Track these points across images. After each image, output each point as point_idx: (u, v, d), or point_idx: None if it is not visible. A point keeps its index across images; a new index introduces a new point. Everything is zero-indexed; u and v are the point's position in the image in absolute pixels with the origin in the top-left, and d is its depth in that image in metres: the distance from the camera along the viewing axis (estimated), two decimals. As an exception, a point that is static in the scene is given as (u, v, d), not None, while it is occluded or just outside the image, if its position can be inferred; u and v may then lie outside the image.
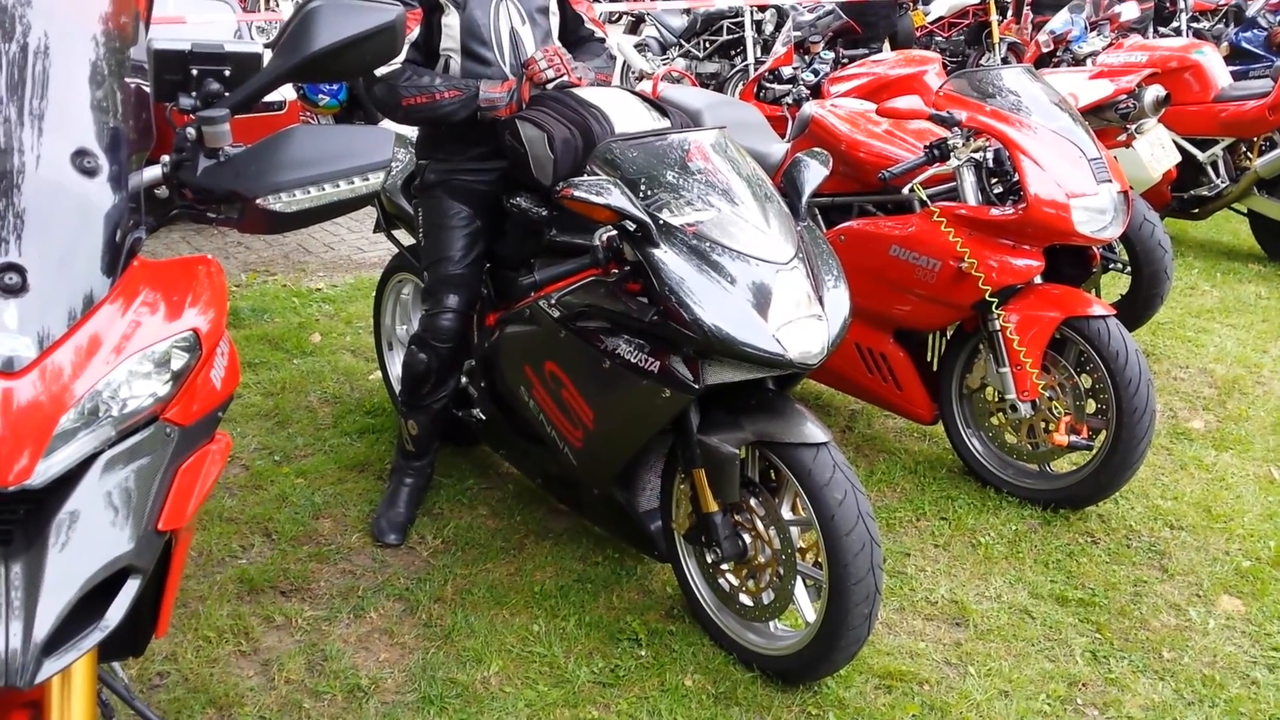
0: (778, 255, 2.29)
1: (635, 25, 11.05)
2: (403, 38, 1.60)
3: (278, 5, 10.25)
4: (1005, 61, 8.82)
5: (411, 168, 3.23)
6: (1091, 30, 6.79)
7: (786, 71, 5.67)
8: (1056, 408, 3.22)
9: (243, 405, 3.86)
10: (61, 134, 1.29)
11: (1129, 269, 4.30)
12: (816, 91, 5.35)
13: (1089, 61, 6.16)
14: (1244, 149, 5.65)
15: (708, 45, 9.48)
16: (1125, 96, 4.71)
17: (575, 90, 2.75)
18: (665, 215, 2.28)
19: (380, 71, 2.73)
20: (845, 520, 2.25)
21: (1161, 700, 2.47)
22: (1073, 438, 3.13)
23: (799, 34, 6.57)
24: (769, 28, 8.73)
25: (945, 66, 5.49)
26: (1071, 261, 3.38)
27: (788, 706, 2.42)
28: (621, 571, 2.90)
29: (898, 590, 2.86)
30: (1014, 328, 3.13)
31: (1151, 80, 4.83)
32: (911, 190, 3.31)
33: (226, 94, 1.53)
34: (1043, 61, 6.66)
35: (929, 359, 3.53)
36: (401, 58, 2.75)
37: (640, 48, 9.53)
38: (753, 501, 2.45)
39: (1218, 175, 5.68)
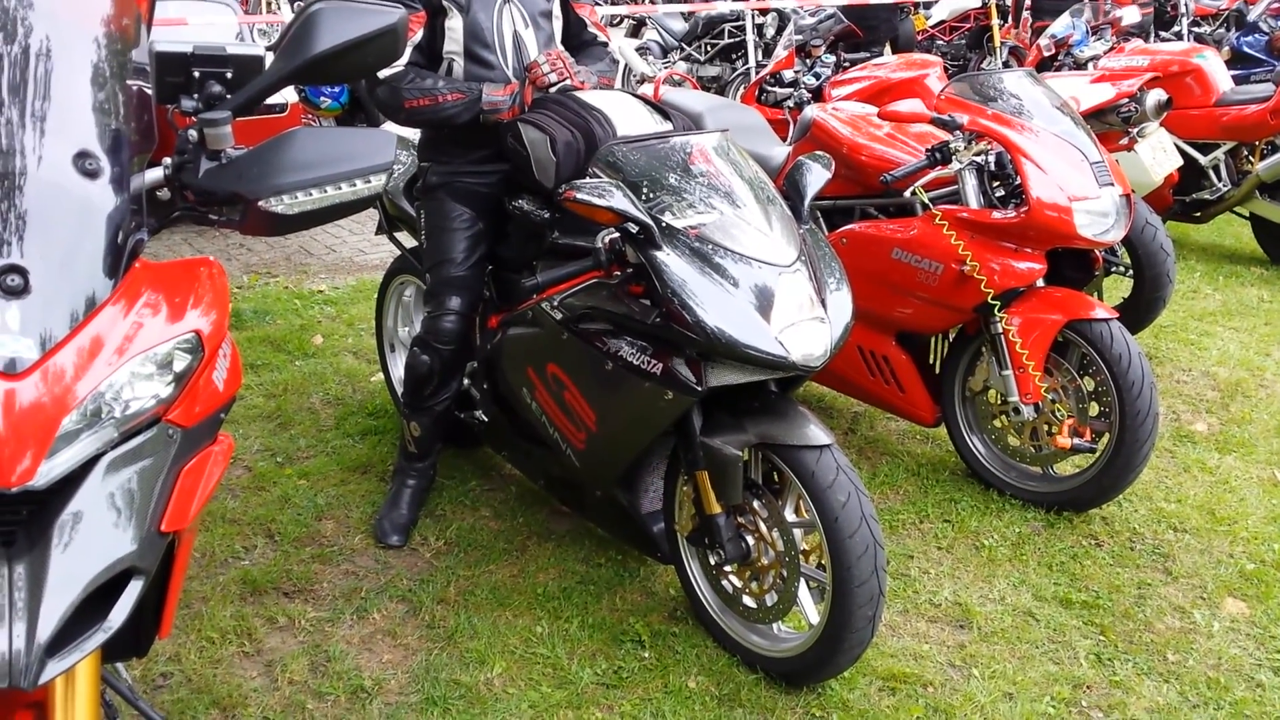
0: (780, 258, 2.29)
1: (637, 29, 11.07)
2: (404, 40, 1.60)
3: (278, 7, 10.27)
4: (1006, 65, 8.83)
5: (414, 170, 3.23)
6: (1093, 34, 6.80)
7: (788, 75, 5.68)
8: (1059, 410, 3.22)
9: (245, 407, 3.86)
10: (63, 136, 1.29)
11: (1131, 272, 4.30)
12: (818, 95, 5.36)
13: (1090, 65, 6.16)
14: (1245, 153, 5.65)
15: (709, 49, 9.50)
16: (1127, 100, 4.72)
17: (577, 93, 2.75)
18: (667, 218, 2.28)
19: (383, 74, 2.73)
20: (849, 522, 2.25)
21: (1166, 703, 2.47)
22: (1076, 440, 3.13)
23: (800, 37, 6.59)
24: (770, 31, 8.74)
25: (946, 70, 5.51)
26: (1074, 265, 3.38)
27: (791, 709, 2.41)
28: (624, 573, 2.90)
29: (901, 592, 2.85)
30: (1016, 330, 3.13)
31: (1153, 84, 4.84)
32: (913, 193, 3.32)
33: (228, 96, 1.53)
34: (1044, 66, 6.67)
35: (931, 361, 3.53)
36: (404, 60, 2.76)
37: (642, 51, 9.55)
38: (756, 503, 2.45)
39: (1219, 179, 5.68)
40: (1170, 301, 4.41)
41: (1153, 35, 7.51)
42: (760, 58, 8.23)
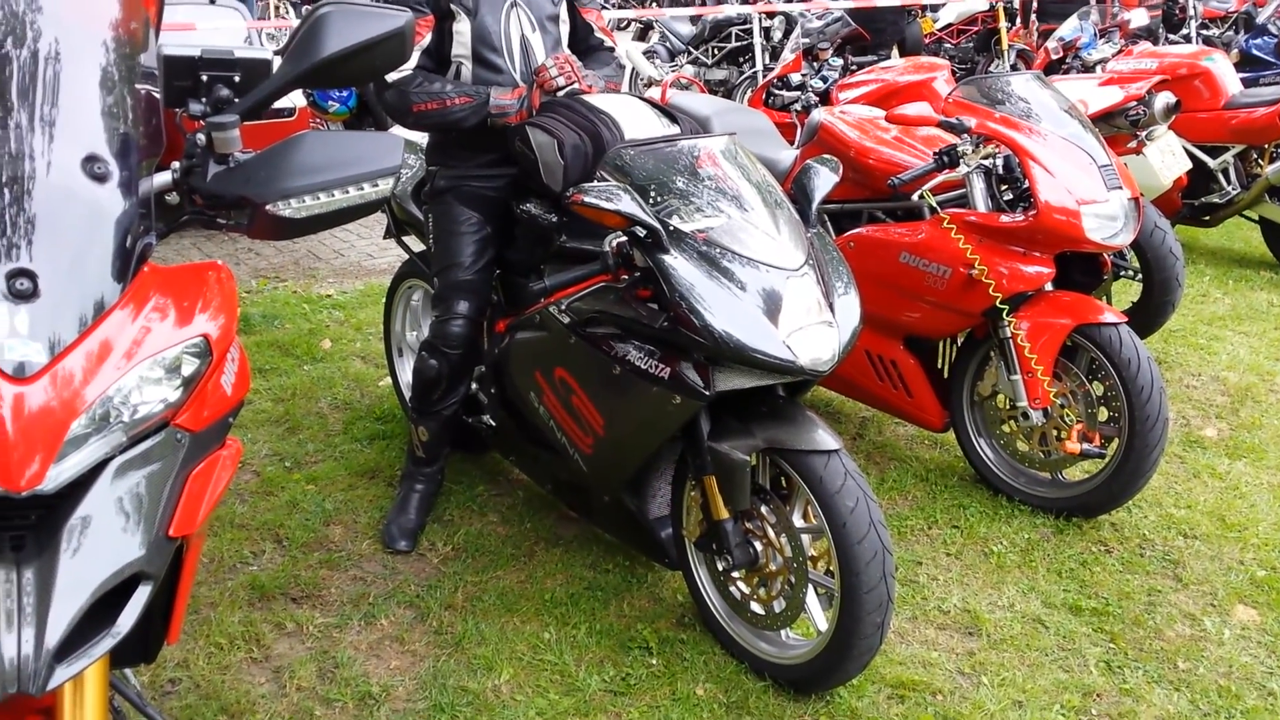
0: (788, 261, 2.29)
1: (644, 32, 11.08)
2: (412, 44, 1.60)
3: (286, 12, 10.30)
4: (1014, 68, 8.82)
5: (422, 174, 3.23)
6: (1100, 37, 6.78)
7: (795, 78, 5.68)
8: (1068, 415, 3.20)
9: (253, 411, 3.86)
10: (72, 140, 1.29)
11: (1140, 276, 4.29)
12: (825, 98, 5.36)
13: (1098, 68, 6.15)
14: (1255, 156, 5.63)
15: (716, 52, 9.49)
16: (1135, 103, 4.70)
17: (585, 97, 2.75)
18: (675, 221, 2.28)
19: (391, 77, 2.74)
20: (857, 528, 2.24)
21: (1177, 711, 2.45)
22: (1085, 445, 3.11)
23: (807, 41, 6.59)
24: (777, 35, 8.73)
25: (954, 73, 5.49)
26: (1082, 268, 3.36)
27: (800, 716, 2.40)
28: (632, 579, 2.89)
29: (910, 599, 2.84)
30: (1025, 335, 3.12)
31: (1161, 87, 4.82)
32: (921, 197, 3.31)
33: (236, 100, 1.54)
34: (1052, 68, 6.65)
35: (940, 366, 3.52)
36: (413, 64, 2.76)
37: (649, 55, 9.55)
38: (764, 509, 2.44)
39: (1229, 182, 5.66)
40: (1179, 306, 4.40)
41: (1161, 38, 7.49)
42: (767, 61, 8.22)
